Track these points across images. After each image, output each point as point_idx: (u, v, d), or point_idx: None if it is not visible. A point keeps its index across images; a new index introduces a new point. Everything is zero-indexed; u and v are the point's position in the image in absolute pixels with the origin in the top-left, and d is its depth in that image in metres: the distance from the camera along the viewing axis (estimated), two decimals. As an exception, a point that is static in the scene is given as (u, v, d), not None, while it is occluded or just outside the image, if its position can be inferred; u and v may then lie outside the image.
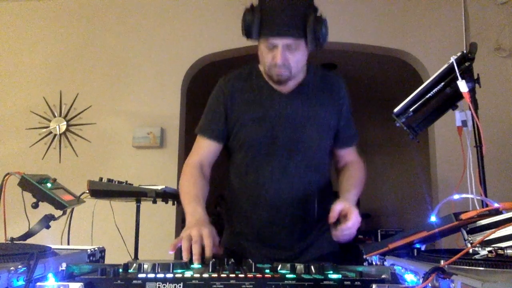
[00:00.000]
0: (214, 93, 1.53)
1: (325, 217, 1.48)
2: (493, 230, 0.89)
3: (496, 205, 0.97)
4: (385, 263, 1.01)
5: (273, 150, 1.44)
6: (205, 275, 0.75)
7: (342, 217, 1.28)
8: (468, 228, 0.96)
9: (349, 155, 1.57)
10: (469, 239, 0.95)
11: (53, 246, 1.06)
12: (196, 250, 1.09)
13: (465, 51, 1.76)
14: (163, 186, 2.06)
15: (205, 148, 1.50)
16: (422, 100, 1.78)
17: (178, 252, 1.14)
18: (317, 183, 1.48)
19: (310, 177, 1.46)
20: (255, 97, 1.47)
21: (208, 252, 1.10)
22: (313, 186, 1.47)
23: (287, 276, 0.77)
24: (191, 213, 1.29)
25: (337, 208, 1.27)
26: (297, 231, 1.46)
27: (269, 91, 1.47)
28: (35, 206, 1.51)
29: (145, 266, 0.84)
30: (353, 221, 1.25)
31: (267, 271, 0.88)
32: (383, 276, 0.78)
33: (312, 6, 1.34)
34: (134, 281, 0.73)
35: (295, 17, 1.30)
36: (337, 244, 1.49)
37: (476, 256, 0.84)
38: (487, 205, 1.35)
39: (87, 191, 1.97)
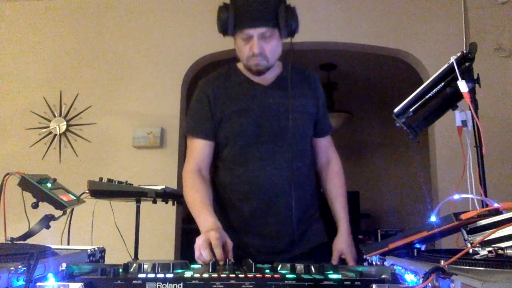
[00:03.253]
0: (196, 94, 1.58)
1: (312, 207, 1.59)
2: (493, 230, 0.89)
3: (496, 205, 0.96)
4: (385, 263, 1.01)
5: (260, 139, 1.48)
6: (205, 275, 0.75)
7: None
8: (468, 228, 0.96)
9: (328, 148, 1.67)
10: (469, 239, 0.95)
11: (53, 246, 1.06)
12: (205, 257, 1.15)
13: (465, 51, 1.76)
14: (163, 186, 2.06)
15: (200, 150, 1.52)
16: (422, 100, 1.77)
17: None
18: (303, 172, 1.53)
19: (296, 165, 1.50)
20: (237, 91, 1.52)
21: (219, 256, 1.14)
22: (300, 174, 1.51)
23: (287, 276, 0.77)
24: (202, 223, 1.33)
25: (338, 251, 1.50)
26: (287, 221, 1.47)
27: (249, 85, 1.53)
28: (35, 206, 1.50)
29: (145, 266, 0.84)
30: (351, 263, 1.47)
31: (267, 271, 0.88)
32: (383, 276, 0.78)
33: None
34: (134, 281, 0.73)
35: (266, 8, 1.39)
36: (326, 235, 1.60)
37: (476, 256, 0.84)
38: (487, 205, 1.34)
39: (87, 191, 1.97)
